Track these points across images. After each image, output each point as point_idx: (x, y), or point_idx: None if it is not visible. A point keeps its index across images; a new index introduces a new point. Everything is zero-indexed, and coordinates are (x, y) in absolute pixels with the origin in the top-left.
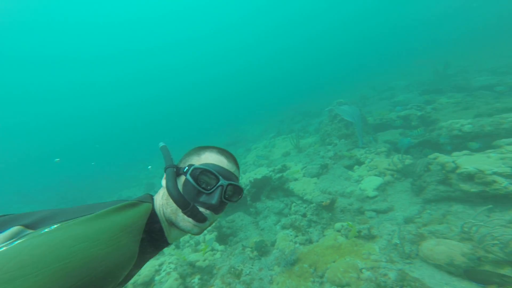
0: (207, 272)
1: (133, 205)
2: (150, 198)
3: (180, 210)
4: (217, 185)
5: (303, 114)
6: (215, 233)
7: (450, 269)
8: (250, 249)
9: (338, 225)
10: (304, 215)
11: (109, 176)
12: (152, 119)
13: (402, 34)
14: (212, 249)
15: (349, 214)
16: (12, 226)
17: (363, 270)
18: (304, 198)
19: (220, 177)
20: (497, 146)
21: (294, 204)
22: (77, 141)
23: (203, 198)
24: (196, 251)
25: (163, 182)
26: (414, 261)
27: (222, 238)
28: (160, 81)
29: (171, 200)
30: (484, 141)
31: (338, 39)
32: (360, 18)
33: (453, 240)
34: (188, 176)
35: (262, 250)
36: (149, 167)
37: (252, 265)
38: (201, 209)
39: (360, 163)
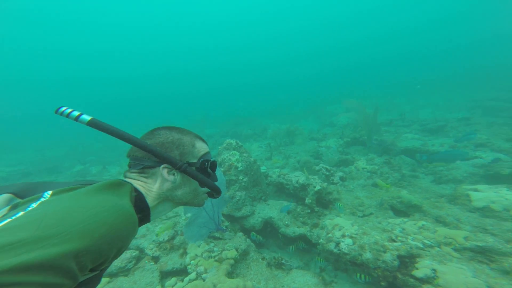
0: None
1: (122, 183)
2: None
3: (198, 193)
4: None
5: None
6: None
7: None
8: None
9: None
10: None
11: None
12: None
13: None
14: None
15: None
16: (1, 194)
17: None
18: None
19: (217, 166)
20: None
21: None
22: None
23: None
24: None
25: (164, 173)
26: None
27: None
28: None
29: (191, 186)
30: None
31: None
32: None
33: None
34: (209, 170)
35: None
36: None
37: None
38: None
39: (185, 272)
